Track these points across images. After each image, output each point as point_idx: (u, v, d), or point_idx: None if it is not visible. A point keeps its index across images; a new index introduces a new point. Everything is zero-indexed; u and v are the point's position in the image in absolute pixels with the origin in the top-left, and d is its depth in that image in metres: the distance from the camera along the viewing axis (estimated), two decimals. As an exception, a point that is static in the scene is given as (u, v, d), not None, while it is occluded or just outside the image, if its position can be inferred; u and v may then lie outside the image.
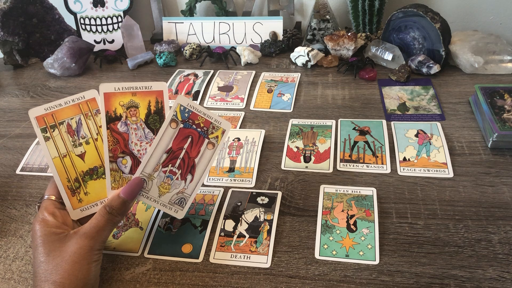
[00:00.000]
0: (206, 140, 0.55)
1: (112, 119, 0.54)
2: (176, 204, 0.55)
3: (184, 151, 0.55)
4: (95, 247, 0.48)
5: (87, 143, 0.55)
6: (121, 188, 0.51)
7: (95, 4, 1.12)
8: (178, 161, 0.55)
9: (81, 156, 0.54)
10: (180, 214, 0.55)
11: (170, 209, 0.55)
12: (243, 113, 0.82)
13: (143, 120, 0.55)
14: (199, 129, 0.55)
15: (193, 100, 0.88)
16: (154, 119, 0.55)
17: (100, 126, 0.55)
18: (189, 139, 0.55)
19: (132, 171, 0.55)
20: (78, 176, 0.54)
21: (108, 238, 0.57)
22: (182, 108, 0.54)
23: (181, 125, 0.54)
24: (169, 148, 0.54)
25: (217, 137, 0.56)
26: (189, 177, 0.55)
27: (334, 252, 0.54)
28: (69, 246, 0.47)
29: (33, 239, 0.49)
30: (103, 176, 0.55)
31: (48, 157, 0.53)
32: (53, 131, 0.54)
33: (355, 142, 0.71)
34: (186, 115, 0.54)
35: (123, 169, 0.54)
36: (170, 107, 0.55)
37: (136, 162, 0.55)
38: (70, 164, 0.54)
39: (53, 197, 0.53)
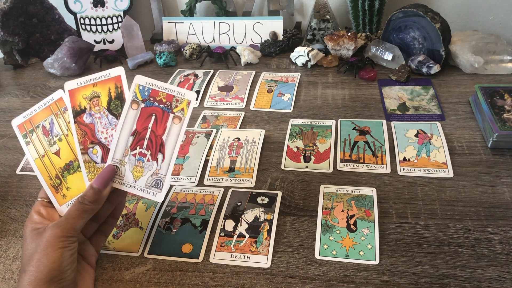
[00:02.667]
0: (172, 115, 0.54)
1: (78, 113, 0.55)
2: (153, 187, 0.54)
3: (149, 130, 0.54)
4: (62, 234, 0.48)
5: (60, 140, 0.56)
6: (94, 178, 0.52)
7: (95, 4, 1.12)
8: (146, 141, 0.54)
9: (57, 153, 0.56)
10: (159, 197, 0.54)
11: (148, 193, 0.54)
12: (243, 113, 0.82)
13: (106, 108, 0.55)
14: (162, 105, 0.54)
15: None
16: (116, 104, 0.54)
17: (69, 122, 0.55)
18: (153, 117, 0.54)
19: (104, 159, 0.54)
20: (57, 173, 0.55)
21: (108, 238, 0.57)
22: (141, 87, 0.54)
23: (143, 105, 0.53)
24: (134, 130, 0.53)
25: (182, 109, 0.54)
26: (160, 156, 0.54)
27: (334, 252, 0.54)
28: (43, 237, 0.48)
29: (23, 238, 0.50)
30: (79, 169, 0.55)
31: (30, 160, 0.56)
32: (32, 135, 0.56)
33: (355, 142, 0.71)
34: (146, 93, 0.54)
35: (95, 159, 0.54)
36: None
37: (105, 150, 0.54)
38: (49, 163, 0.55)
39: (43, 199, 0.55)
